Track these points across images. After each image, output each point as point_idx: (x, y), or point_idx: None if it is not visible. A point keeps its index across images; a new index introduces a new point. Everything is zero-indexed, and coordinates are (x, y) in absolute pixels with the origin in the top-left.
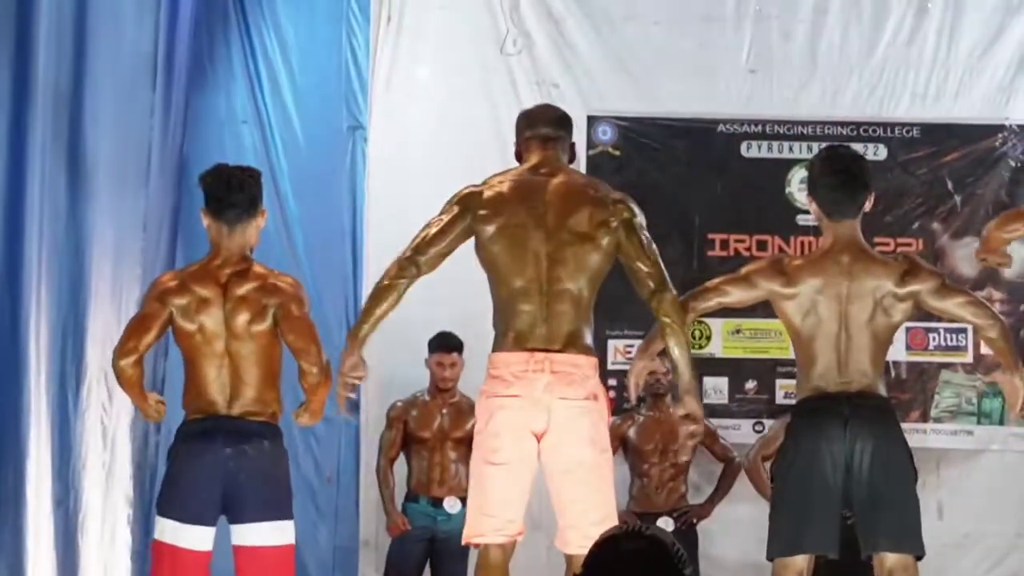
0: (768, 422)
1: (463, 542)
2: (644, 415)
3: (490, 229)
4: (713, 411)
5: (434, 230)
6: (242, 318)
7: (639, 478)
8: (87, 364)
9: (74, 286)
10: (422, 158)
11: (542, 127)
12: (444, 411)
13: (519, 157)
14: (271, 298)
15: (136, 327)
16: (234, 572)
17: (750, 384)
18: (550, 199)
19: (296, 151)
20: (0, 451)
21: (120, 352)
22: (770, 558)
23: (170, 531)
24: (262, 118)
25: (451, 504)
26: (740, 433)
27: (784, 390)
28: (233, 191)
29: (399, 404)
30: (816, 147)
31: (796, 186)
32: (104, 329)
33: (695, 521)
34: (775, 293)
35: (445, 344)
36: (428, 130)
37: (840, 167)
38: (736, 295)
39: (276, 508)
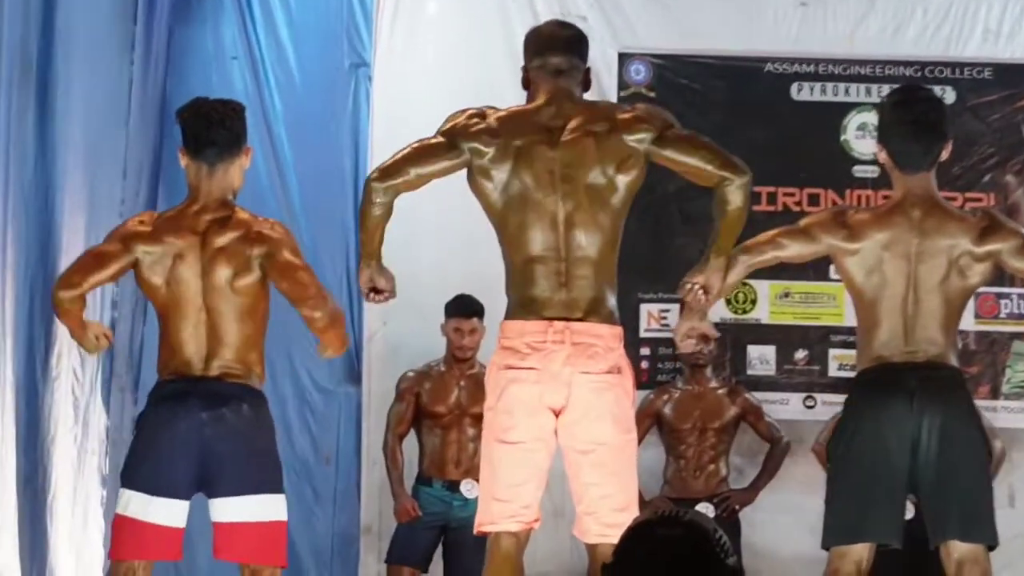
0: (821, 396)
1: (475, 531)
2: (681, 389)
3: (492, 185)
4: (758, 384)
5: (407, 152)
6: (222, 271)
7: (675, 459)
8: (56, 328)
9: (43, 239)
10: (432, 99)
11: (552, 57)
12: (462, 383)
13: (526, 84)
14: (255, 247)
15: (88, 262)
16: (212, 553)
17: (800, 354)
18: (563, 153)
19: (292, 91)
20: None
21: (61, 283)
22: (826, 547)
23: (138, 505)
24: (254, 54)
25: (468, 488)
26: (788, 409)
27: (838, 361)
28: (214, 127)
29: (411, 375)
30: (875, 89)
31: (852, 133)
32: None
33: (737, 508)
34: (836, 248)
35: (464, 308)
36: (439, 68)
37: (915, 113)
38: (793, 249)
39: (262, 479)
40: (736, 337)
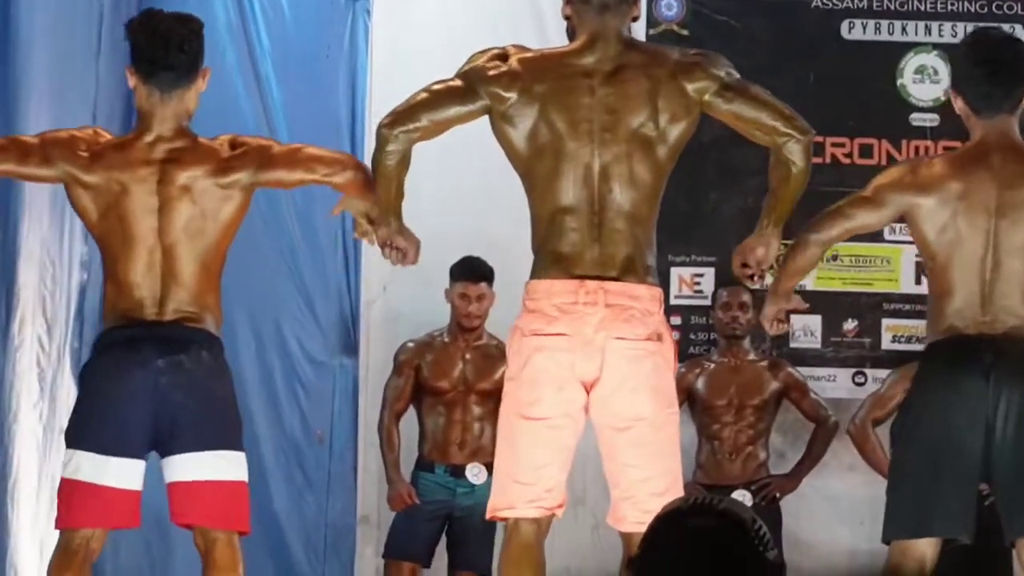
0: (873, 372)
1: (487, 516)
2: (716, 362)
3: (517, 133)
4: (803, 358)
5: (422, 96)
6: (188, 206)
7: (709, 441)
8: (19, 290)
9: (3, 192)
10: (438, 37)
11: None
12: (467, 356)
13: (570, 24)
14: (233, 173)
15: (5, 147)
16: (168, 517)
17: (849, 324)
18: (605, 99)
19: (281, 26)
20: None
21: None
22: (887, 540)
23: (90, 466)
24: None
25: (475, 472)
26: (836, 386)
27: (892, 332)
28: (172, 51)
29: (410, 345)
30: (936, 28)
31: (910, 76)
32: (41, 247)
33: (778, 495)
34: (907, 206)
35: (471, 271)
36: (446, 1)
37: (992, 53)
38: (863, 218)
39: (221, 435)
40: None
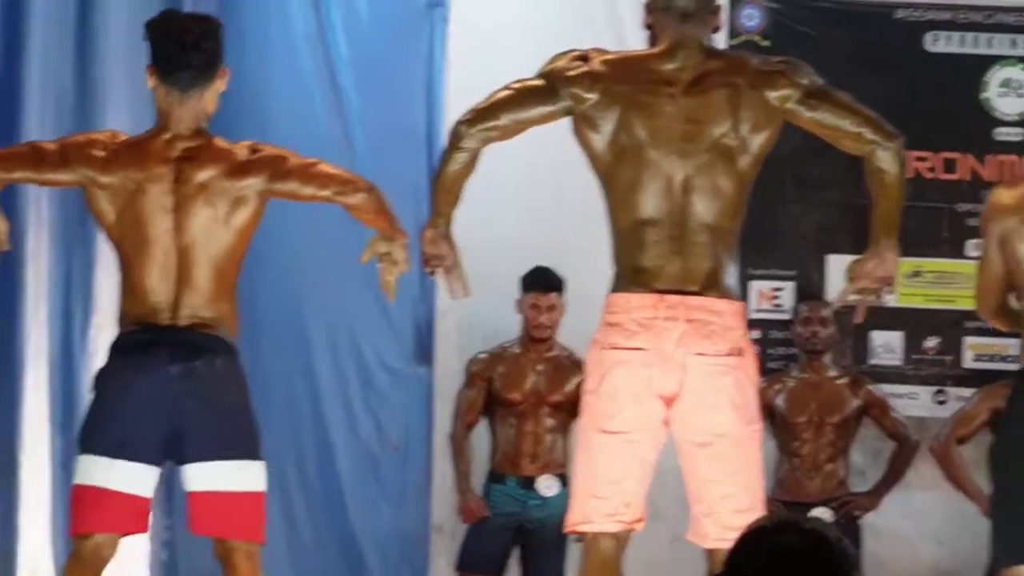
0: (954, 391)
1: (565, 530)
2: (796, 378)
3: (598, 136)
4: (883, 375)
5: (503, 94)
6: (203, 209)
7: (788, 457)
8: (97, 295)
9: (82, 200)
10: (515, 45)
11: None
12: (539, 367)
13: (648, 25)
14: (249, 177)
15: (24, 154)
16: (188, 525)
17: (931, 342)
18: (686, 108)
19: (359, 33)
20: None
21: None
22: (998, 567)
23: (99, 470)
24: None
25: (546, 484)
26: (917, 404)
27: (974, 351)
28: (188, 50)
29: (482, 357)
30: (1022, 41)
31: (995, 90)
32: None
33: (858, 514)
34: (1007, 231)
35: (542, 282)
36: (525, 7)
37: None
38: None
39: (237, 444)
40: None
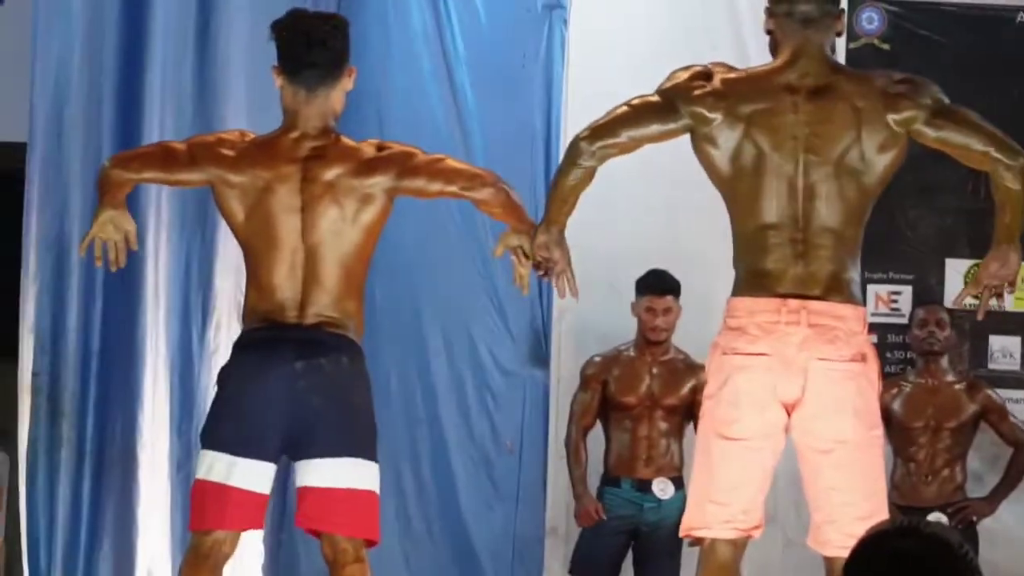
0: None
1: (681, 534)
2: (913, 383)
3: (720, 153)
4: (1001, 380)
5: (622, 111)
6: (331, 207)
7: (904, 462)
8: (216, 295)
9: (200, 196)
10: (637, 43)
11: (800, 1)
12: (654, 370)
13: (769, 29)
14: (377, 174)
15: (155, 155)
16: (294, 521)
17: None
18: (810, 117)
19: (477, 33)
20: (106, 402)
21: (117, 161)
22: None
23: (221, 467)
24: None
25: (661, 488)
26: None
27: None
28: (314, 48)
29: (597, 360)
30: None
31: None
32: (239, 251)
33: (975, 519)
34: None
35: (658, 284)
36: (646, 8)
37: None
38: None
39: (357, 442)
40: (975, 325)
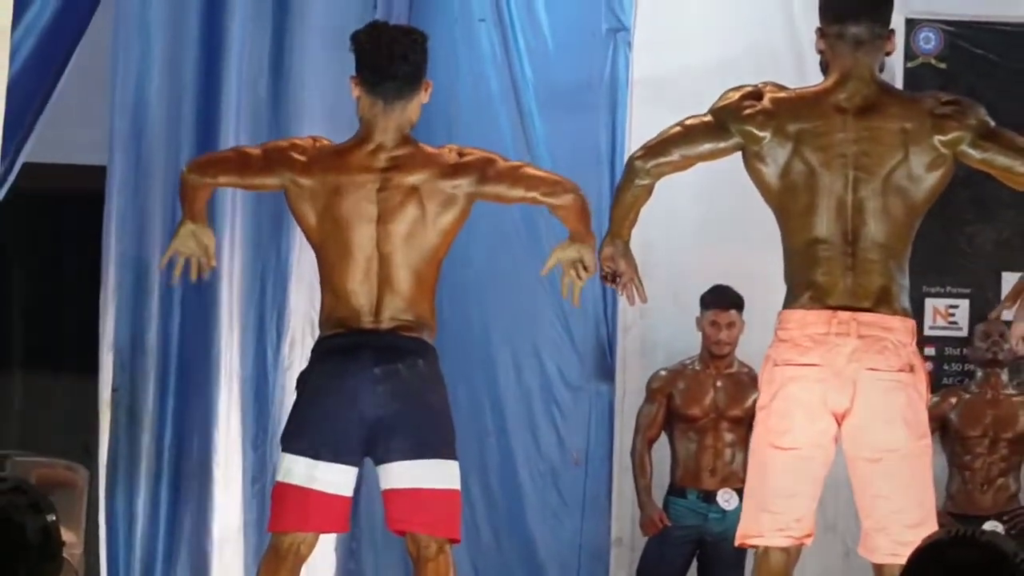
0: None
1: (736, 543)
2: (971, 393)
3: (770, 171)
4: None
5: (675, 131)
6: (409, 213)
7: (960, 471)
8: (291, 312)
9: (275, 210)
10: (699, 67)
11: (852, 25)
12: (719, 383)
13: (820, 49)
14: (458, 178)
15: (232, 160)
16: (384, 524)
17: None
18: (858, 135)
19: (544, 57)
20: (183, 417)
21: (195, 166)
22: None
23: (302, 470)
24: (503, 16)
25: (726, 498)
26: None
27: None
28: (395, 61)
29: (663, 373)
30: None
31: None
32: (313, 267)
33: None
34: None
35: (722, 299)
36: (708, 33)
37: None
38: None
39: (437, 443)
40: None
